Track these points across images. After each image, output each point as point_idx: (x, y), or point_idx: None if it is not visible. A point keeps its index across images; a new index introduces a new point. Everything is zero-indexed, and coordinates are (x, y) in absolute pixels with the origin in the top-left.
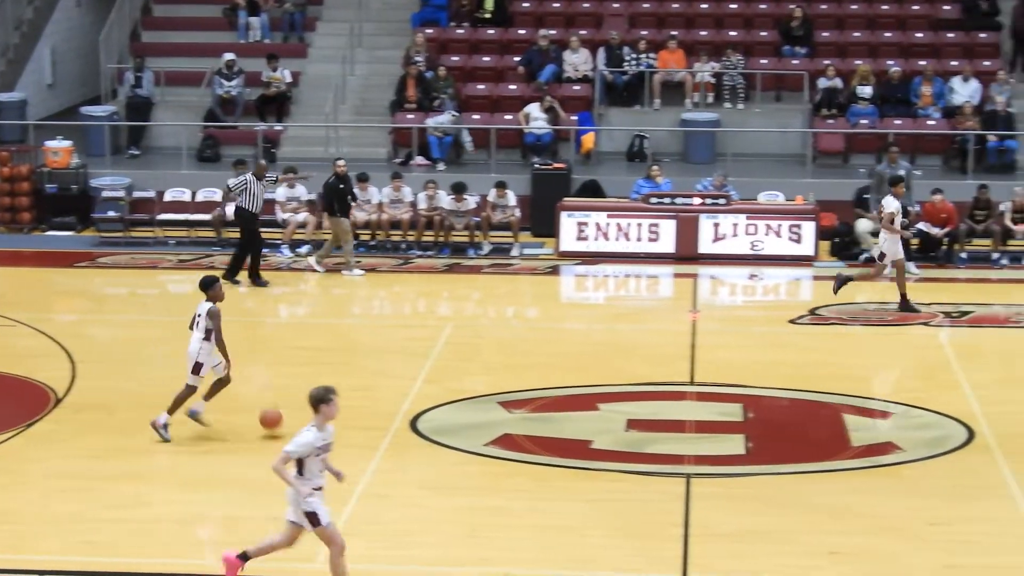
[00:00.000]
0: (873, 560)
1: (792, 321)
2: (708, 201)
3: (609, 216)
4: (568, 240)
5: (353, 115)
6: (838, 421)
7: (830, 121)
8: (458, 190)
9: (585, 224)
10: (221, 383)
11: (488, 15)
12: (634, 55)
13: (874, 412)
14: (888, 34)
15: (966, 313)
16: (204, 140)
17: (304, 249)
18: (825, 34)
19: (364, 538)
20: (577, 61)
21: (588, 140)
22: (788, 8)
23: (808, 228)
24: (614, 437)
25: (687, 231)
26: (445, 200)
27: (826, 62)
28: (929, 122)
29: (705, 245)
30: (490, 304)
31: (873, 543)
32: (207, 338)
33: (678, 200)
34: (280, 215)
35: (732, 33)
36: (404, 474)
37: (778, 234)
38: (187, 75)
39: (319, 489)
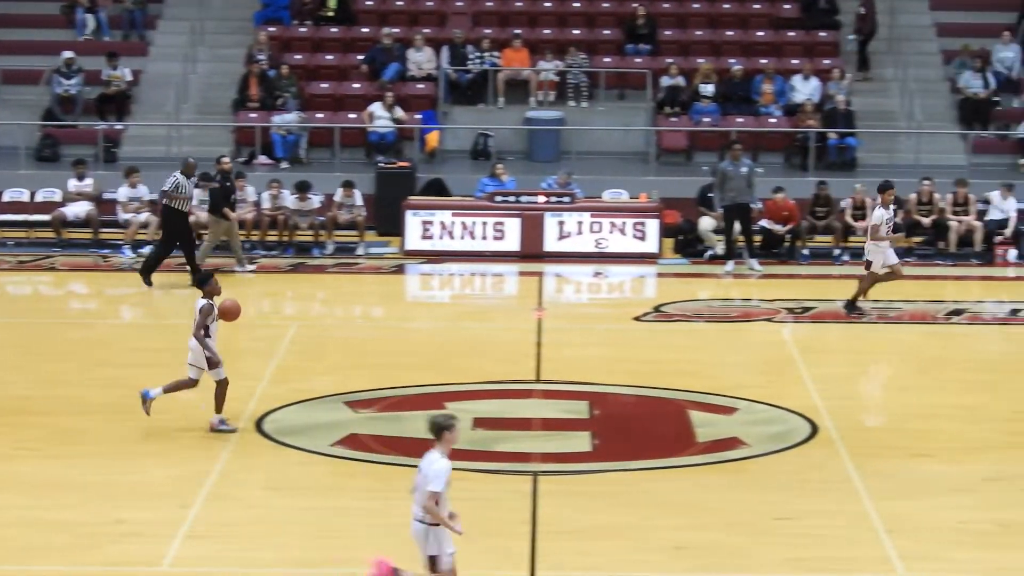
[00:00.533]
0: (719, 554)
1: (637, 318)
2: (553, 199)
3: (454, 215)
4: (413, 239)
5: (195, 114)
6: (683, 417)
7: (673, 119)
8: (302, 189)
9: (430, 223)
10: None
11: (331, 13)
12: (478, 53)
13: (719, 408)
14: (730, 33)
15: (808, 309)
16: (43, 139)
17: (146, 249)
18: (668, 32)
19: (210, 540)
20: (421, 59)
21: (432, 139)
22: (631, 7)
23: (652, 226)
24: (460, 436)
25: (532, 229)
26: (289, 199)
27: (669, 60)
28: (771, 120)
29: (550, 243)
30: (335, 304)
31: (719, 538)
32: (207, 334)
33: (523, 198)
34: (122, 215)
35: (575, 31)
36: (250, 475)
37: (622, 232)
38: (25, 73)
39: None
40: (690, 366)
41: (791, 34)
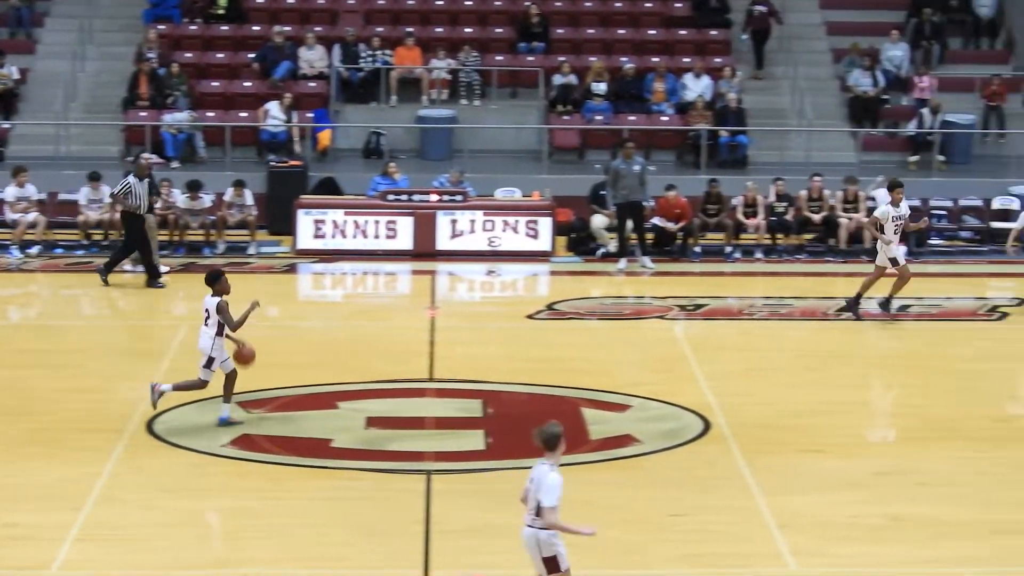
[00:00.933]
0: (613, 552)
1: (530, 316)
2: (445, 198)
3: (346, 213)
4: (305, 238)
5: (84, 113)
6: (577, 415)
7: (565, 117)
8: (193, 188)
9: (322, 222)
10: (231, 379)
11: (221, 11)
12: (370, 52)
13: (612, 405)
14: (622, 31)
15: (701, 306)
16: None
17: (34, 250)
18: (560, 31)
19: (100, 543)
20: (312, 58)
21: (324, 137)
22: (523, 5)
23: (545, 224)
24: (354, 435)
25: (425, 228)
26: (180, 199)
27: (561, 59)
28: (662, 118)
29: (443, 242)
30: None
31: (613, 535)
32: (219, 333)
33: (415, 197)
34: (9, 215)
35: (468, 30)
36: (140, 477)
37: (515, 230)
38: None
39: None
40: (583, 364)
41: (683, 32)
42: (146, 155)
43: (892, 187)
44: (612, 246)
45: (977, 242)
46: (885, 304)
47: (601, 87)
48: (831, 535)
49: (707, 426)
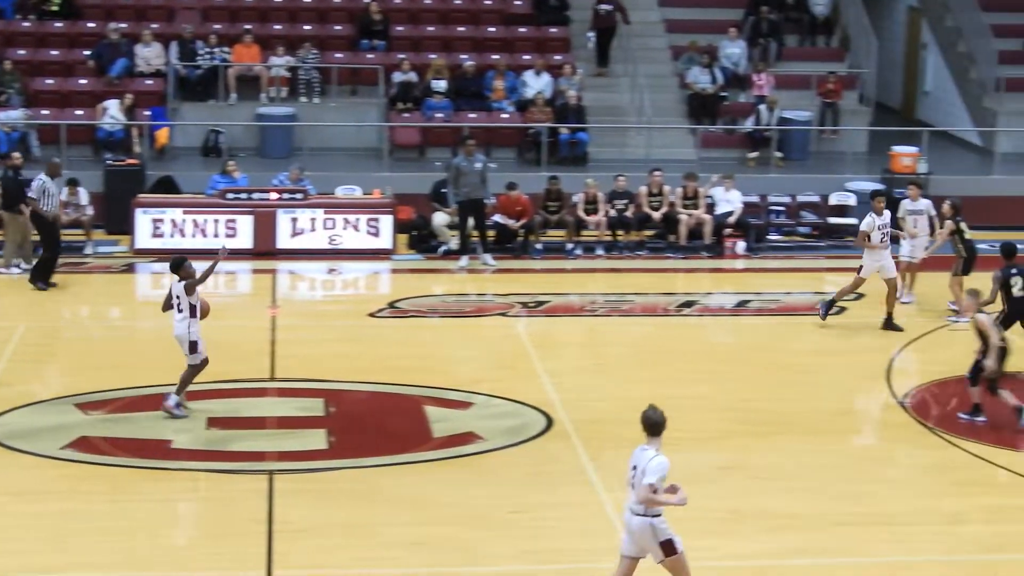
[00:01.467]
0: (456, 549)
1: (372, 314)
2: (286, 196)
3: (185, 212)
4: (143, 237)
5: None
6: (419, 413)
7: (406, 115)
8: (72, 184)
9: (161, 221)
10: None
11: (55, 7)
12: (208, 49)
13: (454, 403)
14: (461, 28)
15: (542, 303)
16: None
17: None
18: (400, 28)
19: None
20: (149, 55)
21: (162, 135)
22: (363, 3)
23: (386, 222)
24: (194, 436)
25: (265, 226)
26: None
27: (401, 56)
28: (503, 116)
29: (283, 240)
30: (64, 304)
31: (455, 532)
32: (192, 315)
33: (255, 195)
34: None
35: (307, 27)
36: None
37: (356, 228)
38: None
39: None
40: (425, 362)
41: (522, 30)
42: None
43: (873, 196)
44: (454, 243)
45: (815, 237)
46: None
47: (441, 85)
48: (676, 529)
49: (550, 423)
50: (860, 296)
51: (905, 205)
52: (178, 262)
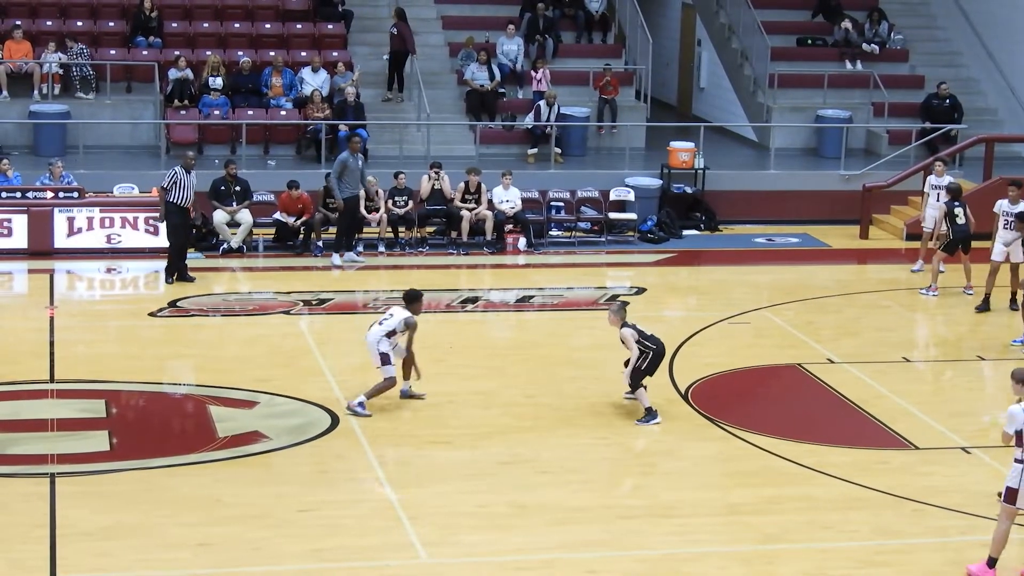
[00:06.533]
0: (243, 549)
1: (152, 314)
2: (62, 195)
3: None
4: None
5: None
6: (203, 413)
7: (182, 112)
8: None
9: None
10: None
11: None
12: None
13: (239, 402)
14: (237, 25)
15: (325, 301)
16: None
17: None
18: (174, 25)
19: None
20: None
21: None
22: None
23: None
24: None
25: (40, 226)
26: None
27: (176, 53)
28: (281, 112)
29: (60, 240)
30: None
31: (242, 532)
32: (389, 336)
33: (30, 194)
34: None
35: (79, 23)
36: None
37: (134, 227)
38: None
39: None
40: (208, 361)
41: (299, 26)
42: None
43: (1019, 184)
44: (234, 242)
45: (595, 233)
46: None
47: (218, 81)
48: (459, 524)
49: (335, 420)
50: (641, 291)
51: (931, 180)
52: (413, 296)
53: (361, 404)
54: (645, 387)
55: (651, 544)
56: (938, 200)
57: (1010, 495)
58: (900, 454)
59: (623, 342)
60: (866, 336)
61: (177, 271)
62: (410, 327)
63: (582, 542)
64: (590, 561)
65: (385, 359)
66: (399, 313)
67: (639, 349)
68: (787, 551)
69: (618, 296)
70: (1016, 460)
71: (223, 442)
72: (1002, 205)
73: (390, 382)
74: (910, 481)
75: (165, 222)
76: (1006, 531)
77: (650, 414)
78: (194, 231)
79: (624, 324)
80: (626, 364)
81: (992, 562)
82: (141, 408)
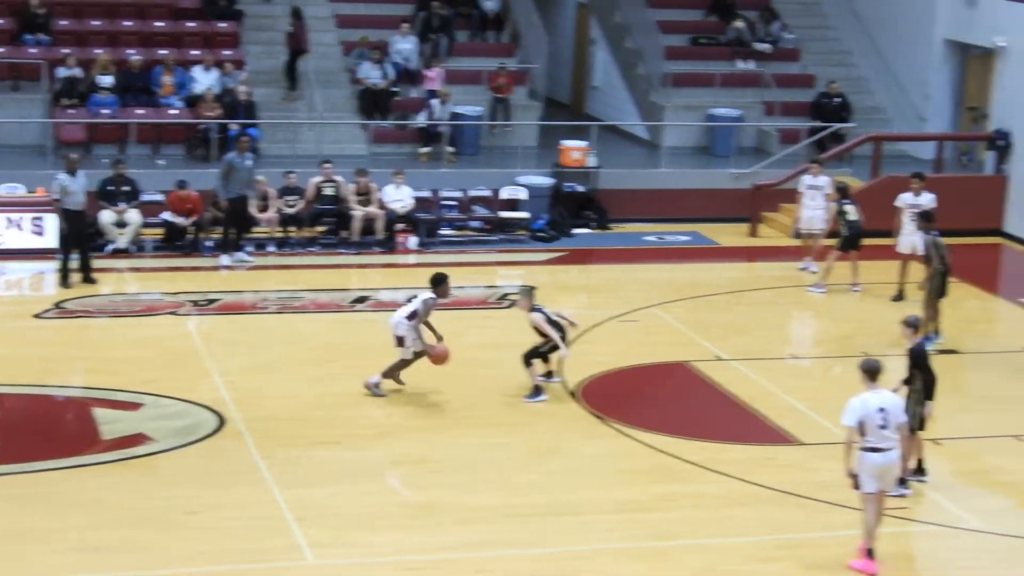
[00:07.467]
0: (130, 552)
1: (37, 315)
2: None
3: None
4: None
5: None
6: (87, 415)
7: (71, 111)
8: None
9: None
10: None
11: None
12: None
13: (124, 404)
14: (128, 23)
15: (213, 301)
16: None
17: None
18: (64, 22)
19: None
20: None
21: None
22: None
23: (51, 220)
24: None
25: None
26: None
27: (65, 51)
28: (171, 111)
29: None
30: None
31: (130, 535)
32: (411, 318)
33: None
34: None
35: None
36: None
37: (20, 227)
38: None
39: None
40: (94, 363)
41: (191, 25)
42: None
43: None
44: (122, 242)
45: (487, 231)
46: None
47: (107, 80)
48: (349, 525)
49: (222, 422)
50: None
51: (805, 180)
52: (439, 279)
53: (378, 385)
54: (535, 365)
55: (543, 542)
56: (813, 200)
57: (855, 482)
58: (788, 450)
59: (534, 327)
60: (755, 334)
61: (83, 273)
62: (428, 306)
63: (474, 542)
64: (482, 560)
65: (400, 342)
66: (422, 295)
67: (554, 331)
68: (679, 548)
69: (507, 295)
70: (861, 449)
71: (108, 444)
72: (905, 198)
73: (433, 355)
74: (798, 477)
75: (61, 227)
76: (870, 516)
77: (537, 391)
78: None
79: (533, 308)
80: (543, 352)
81: (869, 552)
82: (25, 411)
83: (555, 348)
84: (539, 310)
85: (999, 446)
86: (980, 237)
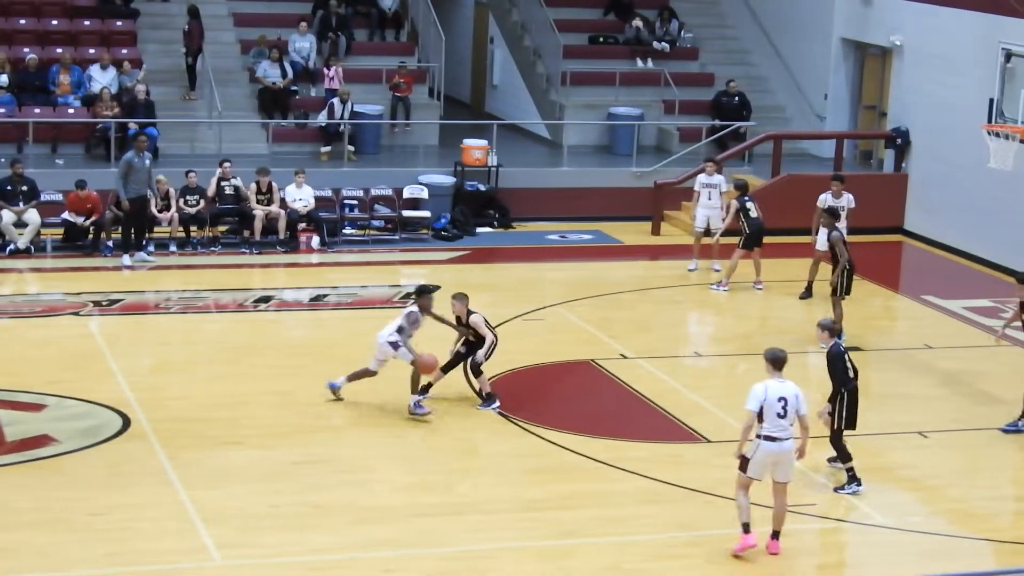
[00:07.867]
0: (32, 555)
1: None
2: None
3: None
4: None
5: None
6: None
7: None
8: None
9: None
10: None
11: None
12: None
13: (27, 405)
14: (23, 21)
15: (116, 301)
16: None
17: None
18: None
19: None
20: None
21: None
22: None
23: None
24: None
25: None
26: None
27: None
28: (69, 110)
29: None
30: None
31: (34, 537)
32: (399, 332)
33: None
34: None
35: None
36: None
37: None
38: None
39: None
40: None
41: (87, 23)
42: None
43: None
44: (21, 243)
45: (389, 231)
46: None
47: (3, 79)
48: (254, 525)
49: (126, 423)
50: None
51: (701, 179)
52: (424, 290)
53: (418, 404)
54: (484, 372)
55: (449, 541)
56: (710, 199)
57: (743, 463)
58: (693, 448)
59: (474, 328)
60: (659, 331)
61: None
62: (411, 319)
63: (380, 541)
64: (388, 560)
65: (395, 346)
66: (405, 309)
67: (492, 336)
68: (584, 546)
69: (411, 294)
70: (757, 435)
71: (11, 446)
72: (826, 199)
73: (419, 363)
74: (703, 474)
75: None
76: (742, 497)
77: (491, 399)
78: None
79: (470, 311)
80: (464, 351)
81: (745, 527)
82: None
83: (492, 350)
84: (477, 312)
85: (903, 442)
86: (882, 235)
